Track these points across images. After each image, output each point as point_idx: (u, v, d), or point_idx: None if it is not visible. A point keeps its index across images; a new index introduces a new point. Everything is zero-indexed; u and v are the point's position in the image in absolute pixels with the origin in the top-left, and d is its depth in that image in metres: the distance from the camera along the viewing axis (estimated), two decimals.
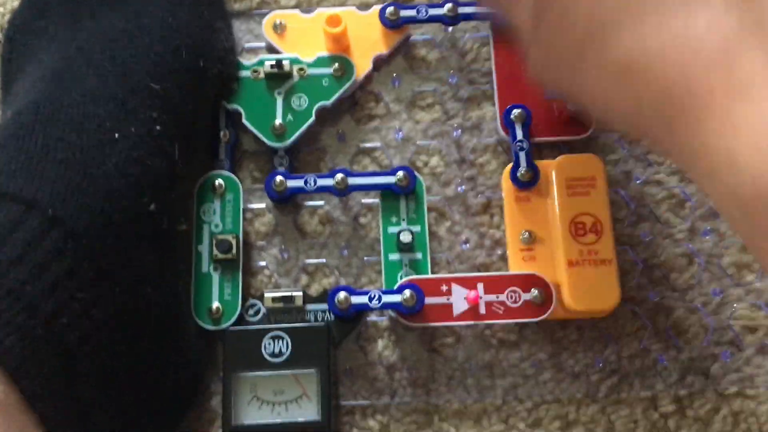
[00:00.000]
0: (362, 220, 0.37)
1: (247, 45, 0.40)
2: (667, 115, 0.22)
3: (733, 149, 0.20)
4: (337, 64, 0.37)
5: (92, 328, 0.28)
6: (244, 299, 0.35)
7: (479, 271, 0.37)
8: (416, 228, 0.36)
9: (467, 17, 0.38)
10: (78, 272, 0.28)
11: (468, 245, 0.37)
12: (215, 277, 0.35)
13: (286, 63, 0.37)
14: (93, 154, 0.30)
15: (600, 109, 0.26)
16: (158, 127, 0.32)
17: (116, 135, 0.31)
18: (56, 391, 0.27)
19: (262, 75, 0.37)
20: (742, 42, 0.20)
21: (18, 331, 0.26)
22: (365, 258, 0.37)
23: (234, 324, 0.34)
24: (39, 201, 0.28)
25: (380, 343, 0.36)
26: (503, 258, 0.37)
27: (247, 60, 0.39)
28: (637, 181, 0.38)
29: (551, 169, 0.36)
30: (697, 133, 0.21)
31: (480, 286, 0.34)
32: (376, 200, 0.37)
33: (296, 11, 0.39)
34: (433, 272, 0.36)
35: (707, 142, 0.21)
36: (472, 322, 0.34)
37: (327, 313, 0.34)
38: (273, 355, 0.32)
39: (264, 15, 0.39)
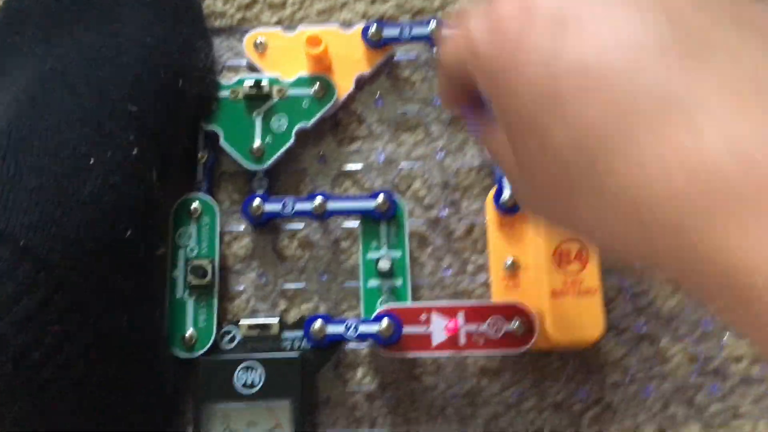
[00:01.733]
0: (343, 244, 0.37)
1: (227, 63, 0.39)
2: (682, 254, 0.17)
3: (760, 294, 0.16)
4: (317, 85, 0.37)
5: (65, 362, 0.28)
6: (220, 324, 0.34)
7: (462, 297, 0.36)
8: (397, 253, 0.35)
9: None
10: (50, 305, 0.27)
11: (450, 271, 0.36)
12: (190, 303, 0.34)
13: (265, 84, 0.36)
14: (67, 181, 0.29)
15: (601, 244, 0.21)
16: (135, 151, 0.31)
17: (91, 160, 0.30)
18: (31, 425, 0.26)
19: (240, 96, 0.36)
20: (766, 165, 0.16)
21: None
22: (344, 283, 0.36)
23: (208, 351, 0.33)
24: (10, 232, 0.27)
25: (359, 371, 0.35)
26: (486, 284, 0.36)
27: (227, 78, 0.38)
28: None
29: None
30: (718, 277, 0.17)
31: (460, 315, 0.34)
32: (357, 223, 0.36)
33: (278, 29, 0.38)
34: (414, 298, 0.35)
35: (732, 286, 0.16)
36: (450, 353, 0.33)
37: (303, 341, 0.34)
38: (245, 386, 0.31)
39: (245, 32, 0.39)
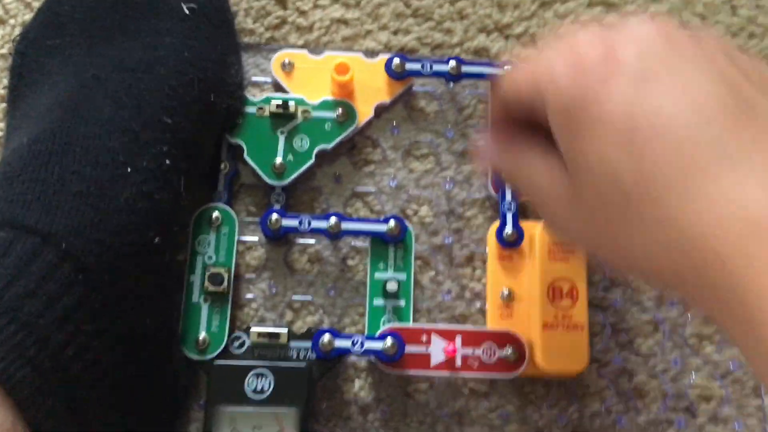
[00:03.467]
0: (350, 262, 0.39)
1: (253, 78, 0.41)
2: (713, 290, 0.20)
3: None
4: (340, 110, 0.39)
5: (94, 358, 0.29)
6: (230, 331, 0.36)
7: (458, 321, 0.38)
8: (402, 275, 0.37)
9: (468, 76, 0.39)
10: (86, 305, 0.29)
11: (449, 296, 0.39)
12: (204, 308, 0.36)
13: (291, 104, 0.38)
14: (106, 188, 0.31)
15: (641, 271, 0.24)
16: (168, 161, 0.33)
17: (128, 169, 0.32)
18: (59, 419, 0.28)
19: (267, 113, 0.38)
20: None
21: (30, 364, 0.27)
22: (350, 299, 0.38)
23: (218, 355, 0.35)
24: (54, 234, 0.29)
25: (357, 384, 0.37)
26: (481, 311, 0.38)
27: (252, 95, 0.40)
28: None
29: (535, 232, 0.37)
30: (743, 312, 0.20)
31: (458, 338, 0.36)
32: (365, 244, 0.38)
33: (305, 51, 0.40)
34: (414, 319, 0.38)
35: (755, 326, 0.19)
36: (447, 373, 0.36)
37: (309, 351, 0.36)
38: (255, 391, 0.33)
39: (271, 50, 0.40)
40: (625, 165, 0.22)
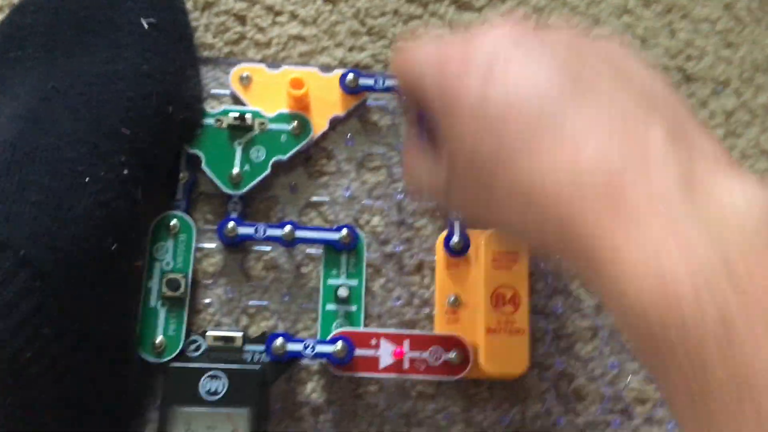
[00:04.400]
0: (304, 269, 0.40)
1: (212, 91, 0.42)
2: (567, 242, 0.24)
3: (621, 280, 0.22)
4: (296, 122, 0.40)
5: (52, 361, 0.30)
6: (187, 334, 0.37)
7: (407, 326, 0.40)
8: (354, 282, 0.39)
9: None
10: (44, 310, 0.30)
11: (399, 302, 0.40)
12: (162, 313, 0.37)
13: (248, 117, 0.39)
14: (64, 197, 0.32)
15: (511, 231, 0.29)
16: (126, 171, 0.34)
17: (87, 179, 0.33)
18: (18, 420, 0.29)
19: (224, 124, 0.40)
20: (625, 175, 0.23)
21: None
22: (303, 305, 0.40)
23: (175, 358, 0.36)
24: (12, 242, 0.30)
25: (309, 386, 0.39)
26: (429, 317, 0.40)
27: (211, 107, 0.41)
28: (556, 261, 0.42)
29: (481, 240, 0.39)
30: (591, 262, 0.23)
31: (406, 342, 0.38)
32: (319, 251, 0.40)
33: (262, 65, 0.42)
34: (365, 324, 0.39)
35: (600, 272, 0.23)
36: (395, 375, 0.37)
37: (263, 354, 0.37)
38: (209, 393, 0.34)
39: (230, 64, 0.42)
40: (482, 142, 0.26)
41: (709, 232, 0.21)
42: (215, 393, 0.34)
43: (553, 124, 0.25)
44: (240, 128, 0.40)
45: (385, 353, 0.37)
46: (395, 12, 0.44)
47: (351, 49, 0.43)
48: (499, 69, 0.26)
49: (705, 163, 0.23)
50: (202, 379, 0.34)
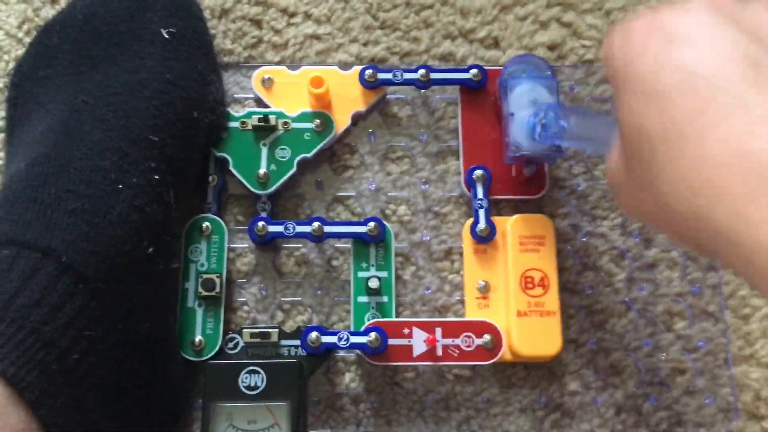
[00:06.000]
0: (335, 263, 0.41)
1: (235, 96, 0.43)
2: (723, 229, 0.23)
3: None
4: (318, 120, 0.41)
5: (98, 360, 0.32)
6: (225, 333, 0.38)
7: (439, 312, 0.41)
8: (384, 273, 0.40)
9: (437, 82, 0.42)
10: (87, 312, 0.32)
11: (430, 290, 0.41)
12: (199, 312, 0.38)
13: (272, 117, 0.40)
14: (100, 204, 0.33)
15: (675, 226, 0.27)
16: (156, 176, 0.36)
17: (120, 185, 0.34)
18: (68, 419, 0.31)
19: (249, 126, 0.41)
20: None
21: (38, 367, 0.30)
22: (336, 298, 0.41)
23: (214, 356, 0.38)
24: (54, 249, 0.32)
25: (347, 377, 0.40)
26: (461, 301, 0.41)
27: (235, 111, 0.42)
28: (582, 239, 0.42)
29: (507, 226, 0.40)
30: (750, 253, 0.22)
31: (438, 330, 0.38)
32: (348, 245, 0.41)
33: (283, 67, 0.43)
34: (397, 313, 0.40)
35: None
36: (429, 363, 0.38)
37: (299, 348, 0.38)
38: (249, 387, 0.36)
39: (251, 68, 0.43)
40: (649, 114, 0.25)
41: None
42: (254, 388, 0.36)
43: (728, 106, 0.23)
44: (264, 129, 0.41)
45: (418, 341, 0.38)
46: (407, 4, 0.45)
47: (366, 44, 0.44)
48: (678, 43, 0.25)
49: None
50: (241, 374, 0.36)
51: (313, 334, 0.37)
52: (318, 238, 0.39)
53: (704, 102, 0.24)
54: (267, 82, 0.42)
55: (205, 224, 0.40)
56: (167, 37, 0.39)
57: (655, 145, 0.25)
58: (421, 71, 0.41)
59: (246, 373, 0.36)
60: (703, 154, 0.24)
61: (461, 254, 0.41)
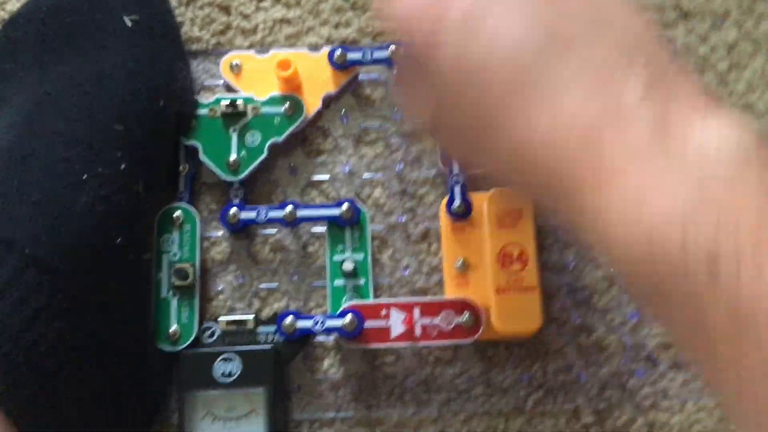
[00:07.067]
0: (310, 248, 0.41)
1: (205, 83, 0.43)
2: (554, 196, 0.25)
3: (609, 231, 0.23)
4: (288, 104, 0.41)
5: (67, 353, 0.31)
6: (201, 321, 0.38)
7: (418, 294, 0.40)
8: (359, 256, 0.39)
9: None
10: (54, 304, 0.31)
11: (408, 271, 0.40)
12: (173, 303, 0.38)
13: (240, 103, 0.40)
14: (64, 195, 0.33)
15: (502, 180, 0.30)
16: (123, 166, 0.35)
17: (85, 176, 0.34)
18: (39, 414, 0.30)
19: (218, 113, 0.40)
20: (602, 128, 0.23)
21: (2, 360, 0.29)
22: (313, 283, 0.40)
23: (190, 345, 0.37)
24: (17, 241, 0.31)
25: (326, 362, 0.39)
26: (439, 283, 0.40)
27: (205, 98, 0.41)
28: None
29: (483, 202, 0.39)
30: (579, 215, 0.24)
31: (416, 310, 0.38)
32: (324, 229, 0.40)
33: (251, 52, 0.42)
34: (376, 296, 0.39)
35: (589, 224, 0.23)
36: (408, 344, 0.37)
37: (276, 335, 0.38)
38: (224, 375, 0.35)
39: (219, 55, 0.42)
40: (464, 94, 0.26)
41: (686, 175, 0.22)
42: (230, 375, 0.35)
43: (531, 80, 0.25)
44: (233, 115, 0.40)
45: (396, 323, 0.37)
46: None
47: (337, 26, 0.43)
48: (473, 25, 0.26)
49: (680, 108, 0.23)
50: (216, 362, 0.35)
51: (288, 319, 0.36)
52: (291, 222, 0.39)
53: (508, 81, 0.25)
54: (235, 68, 0.42)
55: (177, 214, 0.39)
56: (130, 24, 0.38)
57: (475, 118, 0.26)
58: (392, 48, 0.41)
59: (221, 360, 0.35)
60: (517, 129, 0.25)
61: (439, 236, 0.40)
